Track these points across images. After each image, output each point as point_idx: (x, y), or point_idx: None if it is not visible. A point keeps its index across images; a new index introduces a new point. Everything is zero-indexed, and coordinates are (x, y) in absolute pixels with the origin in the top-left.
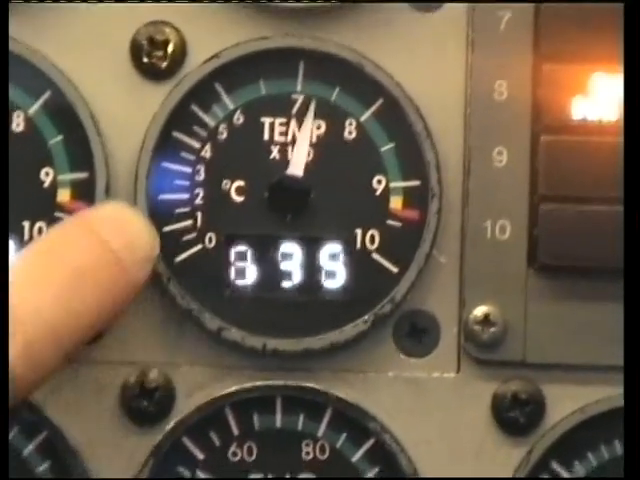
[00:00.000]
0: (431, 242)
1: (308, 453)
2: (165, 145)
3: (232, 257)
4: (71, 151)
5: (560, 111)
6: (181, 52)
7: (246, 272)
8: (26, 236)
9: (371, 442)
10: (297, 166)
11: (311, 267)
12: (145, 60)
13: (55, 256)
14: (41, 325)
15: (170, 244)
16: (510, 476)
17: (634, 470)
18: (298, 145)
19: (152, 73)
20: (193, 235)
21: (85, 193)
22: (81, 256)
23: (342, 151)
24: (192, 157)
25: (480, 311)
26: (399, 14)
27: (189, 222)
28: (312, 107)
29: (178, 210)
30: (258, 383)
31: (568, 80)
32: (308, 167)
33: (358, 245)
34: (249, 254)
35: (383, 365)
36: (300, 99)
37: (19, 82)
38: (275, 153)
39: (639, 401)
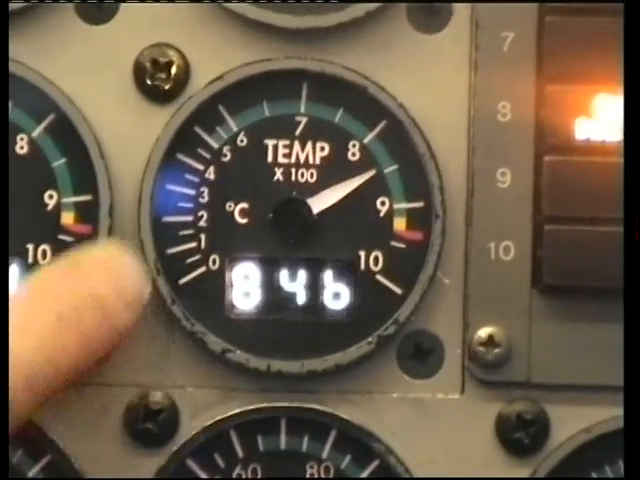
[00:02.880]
0: (435, 263)
1: (312, 475)
2: (169, 167)
3: (236, 279)
4: (75, 174)
5: (563, 132)
6: (184, 74)
7: (250, 294)
8: (30, 259)
9: (376, 463)
10: (319, 203)
11: (315, 288)
12: (148, 82)
13: (42, 300)
14: (17, 371)
15: (174, 266)
16: None
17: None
18: (334, 190)
19: (155, 95)
20: (197, 257)
21: (89, 216)
22: (65, 300)
23: (346, 172)
24: (196, 179)
25: (484, 332)
26: (402, 35)
27: (193, 244)
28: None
29: (182, 232)
30: (262, 405)
31: (571, 101)
32: (311, 188)
33: (362, 266)
34: (253, 276)
35: (387, 386)
36: (304, 121)
37: (23, 105)
38: (279, 175)
39: (639, 421)
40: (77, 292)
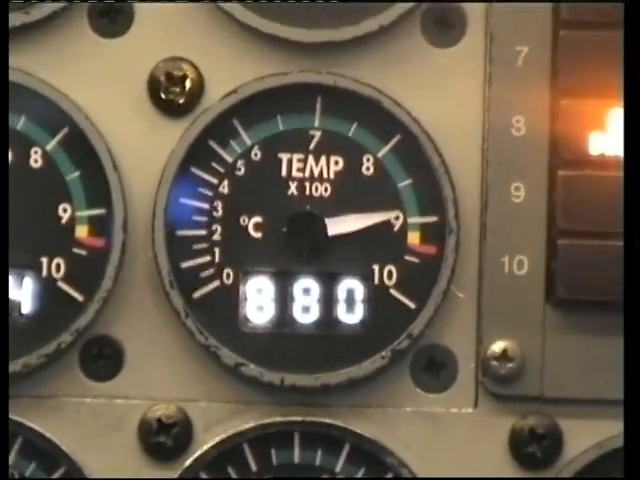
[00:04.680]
0: (449, 277)
1: None
2: (183, 181)
3: (250, 292)
4: (89, 187)
5: (578, 146)
6: (199, 88)
7: (264, 307)
8: (44, 272)
9: (389, 477)
10: (336, 227)
11: (329, 302)
12: (163, 96)
13: None
14: None
15: (188, 280)
16: None
17: None
18: (354, 218)
19: (170, 109)
20: (211, 271)
21: (103, 229)
22: None
23: (360, 187)
24: (210, 193)
25: (498, 346)
26: (417, 49)
27: (207, 258)
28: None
29: (196, 246)
30: (276, 419)
31: (586, 115)
32: (325, 202)
33: (376, 281)
34: (267, 289)
35: (401, 400)
36: (318, 135)
37: (37, 118)
38: (293, 189)
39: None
40: None
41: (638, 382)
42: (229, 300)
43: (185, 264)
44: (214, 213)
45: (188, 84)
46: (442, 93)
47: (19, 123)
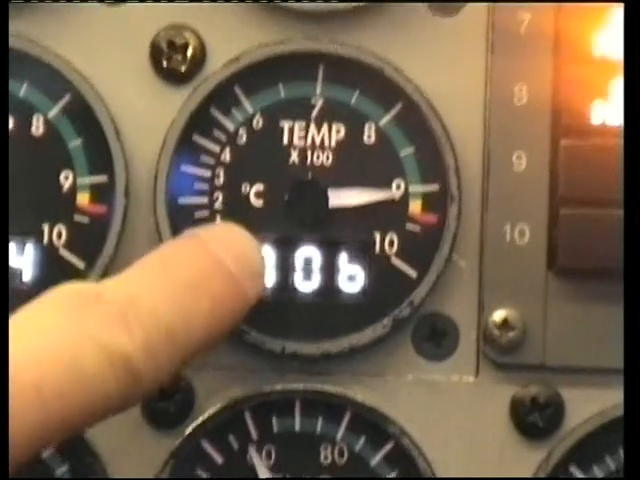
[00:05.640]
0: (450, 246)
1: (327, 457)
2: (185, 149)
3: None
4: (90, 154)
5: (580, 115)
6: (201, 55)
7: (265, 275)
8: (45, 239)
9: (390, 446)
10: (338, 199)
11: (330, 271)
12: (165, 63)
13: (170, 266)
14: (157, 325)
15: None
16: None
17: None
18: (357, 193)
19: (172, 76)
20: None
21: (104, 196)
22: (195, 268)
23: (361, 155)
24: (212, 161)
25: (499, 315)
26: (419, 17)
27: None
28: None
29: (197, 214)
30: (277, 387)
31: (588, 84)
32: (327, 170)
33: (377, 249)
34: (268, 257)
35: (402, 368)
36: (319, 103)
37: (39, 85)
38: (294, 157)
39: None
40: (205, 260)
41: (638, 350)
42: None
43: None
44: (215, 181)
45: (190, 52)
46: (444, 62)
47: (21, 90)
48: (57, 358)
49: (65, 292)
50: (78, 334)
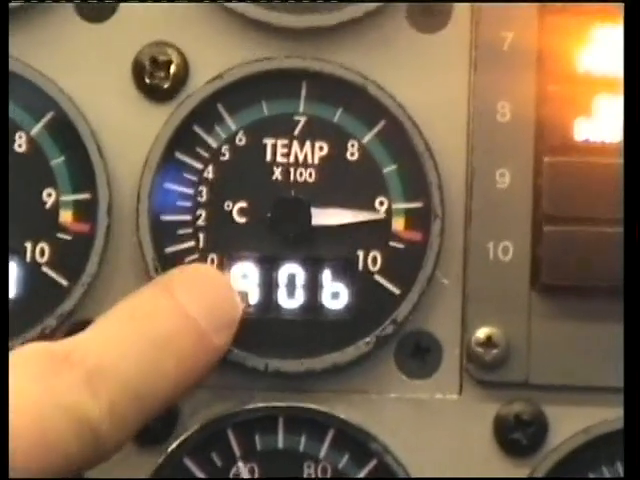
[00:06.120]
0: (434, 263)
1: (310, 474)
2: (168, 166)
3: (234, 278)
4: (73, 172)
5: (563, 132)
6: (183, 73)
7: (248, 293)
8: (28, 257)
9: (373, 463)
10: (321, 217)
11: (313, 288)
12: (147, 81)
13: (138, 323)
14: (123, 389)
15: (172, 265)
16: None
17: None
18: (340, 213)
19: (154, 94)
20: (195, 256)
21: (88, 214)
22: (164, 326)
23: (344, 172)
24: (195, 178)
25: (482, 332)
26: (402, 35)
27: (191, 243)
28: None
29: (180, 231)
30: (260, 404)
31: (572, 100)
32: (310, 188)
33: (361, 266)
34: (251, 275)
35: (385, 386)
36: (302, 120)
37: (22, 102)
38: (277, 174)
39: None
40: (171, 313)
41: (638, 369)
42: None
43: (170, 249)
44: (199, 198)
45: (173, 69)
46: (427, 79)
47: None
48: (23, 420)
49: (34, 353)
50: (46, 398)
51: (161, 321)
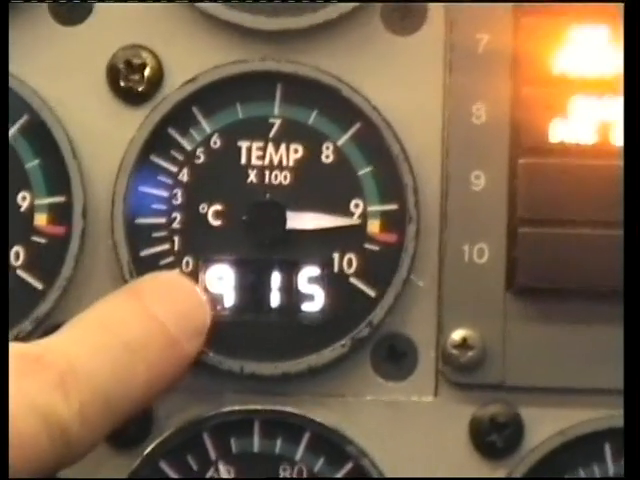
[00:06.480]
0: (409, 266)
1: (286, 477)
2: (142, 169)
3: (210, 281)
4: (48, 175)
5: (538, 134)
6: (158, 75)
7: (224, 296)
8: None
9: (349, 466)
10: (296, 222)
11: (289, 290)
12: (122, 84)
13: (109, 328)
14: (94, 392)
15: (148, 268)
16: None
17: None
18: (316, 218)
19: (129, 97)
20: (170, 259)
21: (62, 217)
22: (134, 332)
23: (319, 175)
24: (169, 181)
25: (458, 335)
26: (376, 37)
27: (166, 246)
28: None
29: (155, 234)
30: (236, 407)
31: (547, 102)
32: (285, 190)
33: (336, 269)
34: (227, 277)
35: (361, 389)
36: (277, 123)
37: None
38: (252, 177)
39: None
40: (141, 320)
41: (638, 371)
42: None
43: (145, 252)
44: (174, 201)
45: (147, 72)
46: (402, 81)
47: None
48: None
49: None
50: (18, 399)
51: (131, 326)
